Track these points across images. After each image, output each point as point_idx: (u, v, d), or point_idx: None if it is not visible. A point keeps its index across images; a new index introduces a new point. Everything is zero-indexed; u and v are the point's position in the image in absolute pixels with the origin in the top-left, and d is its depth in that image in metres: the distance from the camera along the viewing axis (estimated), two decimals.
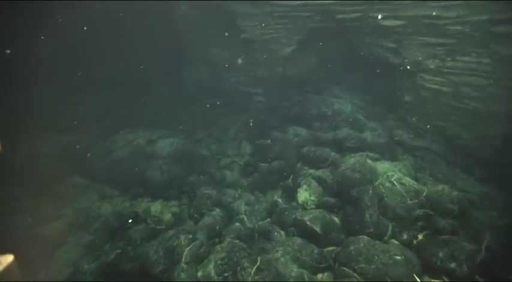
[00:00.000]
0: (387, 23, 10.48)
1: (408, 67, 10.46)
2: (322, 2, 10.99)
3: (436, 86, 9.81)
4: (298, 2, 11.05)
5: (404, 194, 7.15)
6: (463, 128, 8.84)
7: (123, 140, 10.91)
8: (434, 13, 9.34)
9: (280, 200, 9.35)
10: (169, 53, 14.04)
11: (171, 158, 11.03)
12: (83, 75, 12.13)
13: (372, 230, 6.83)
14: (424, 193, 7.33)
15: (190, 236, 7.54)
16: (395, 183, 7.30)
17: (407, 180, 7.57)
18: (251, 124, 13.49)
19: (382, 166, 8.09)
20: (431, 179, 8.31)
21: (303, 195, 9.25)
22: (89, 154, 10.82)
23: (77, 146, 10.80)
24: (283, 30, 12.07)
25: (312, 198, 9.01)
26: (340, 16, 11.22)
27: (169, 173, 10.64)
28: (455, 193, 7.37)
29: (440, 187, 7.49)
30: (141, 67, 13.08)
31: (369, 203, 7.08)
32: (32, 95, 11.25)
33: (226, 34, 12.75)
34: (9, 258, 2.37)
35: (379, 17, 10.54)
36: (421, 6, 9.78)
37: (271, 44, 12.37)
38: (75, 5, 10.59)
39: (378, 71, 12.20)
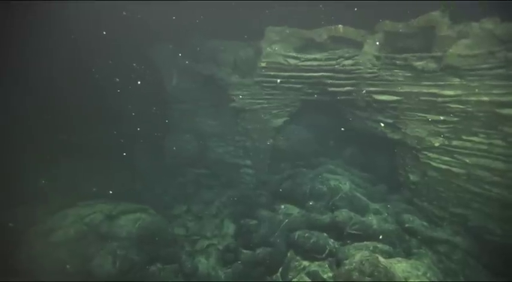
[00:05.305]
0: (382, 97, 10.02)
1: (410, 143, 9.52)
2: (313, 75, 10.77)
3: (444, 166, 8.68)
4: (288, 73, 10.84)
5: None
6: (492, 221, 7.25)
7: (74, 215, 8.85)
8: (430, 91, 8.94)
9: None
10: (151, 119, 13.26)
11: (131, 240, 8.90)
12: (53, 140, 10.95)
13: None
14: None
15: None
16: None
17: None
18: (234, 199, 11.82)
19: (400, 267, 6.07)
20: None
21: None
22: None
23: (10, 224, 8.50)
24: (275, 100, 11.61)
25: None
26: (332, 89, 10.86)
27: (124, 262, 8.36)
28: None
29: None
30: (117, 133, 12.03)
31: None
32: None
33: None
34: None
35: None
36: (415, 84, 9.44)
37: (262, 114, 11.74)
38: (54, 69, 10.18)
39: (376, 146, 11.30)
